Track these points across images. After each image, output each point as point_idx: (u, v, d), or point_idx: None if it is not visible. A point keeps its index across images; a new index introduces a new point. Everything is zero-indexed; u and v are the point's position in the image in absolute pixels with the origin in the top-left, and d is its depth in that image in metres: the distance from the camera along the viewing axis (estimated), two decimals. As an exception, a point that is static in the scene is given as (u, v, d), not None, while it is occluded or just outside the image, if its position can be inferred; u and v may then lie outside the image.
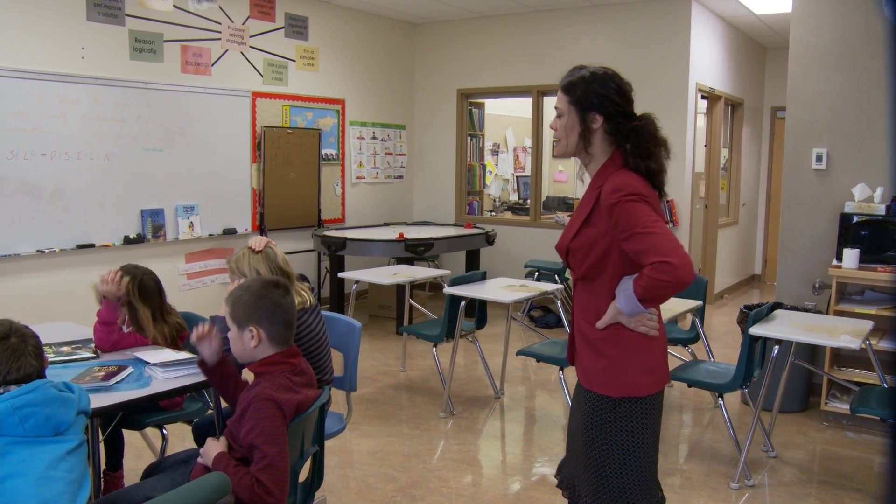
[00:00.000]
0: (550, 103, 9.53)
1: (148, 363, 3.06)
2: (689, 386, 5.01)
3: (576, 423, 2.63)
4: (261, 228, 7.96)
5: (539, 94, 9.15)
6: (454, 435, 5.10)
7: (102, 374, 2.91)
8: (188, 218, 7.25)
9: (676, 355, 5.90)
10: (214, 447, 2.49)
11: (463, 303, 5.30)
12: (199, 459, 2.52)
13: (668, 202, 8.16)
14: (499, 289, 5.51)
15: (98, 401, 2.64)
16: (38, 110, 6.17)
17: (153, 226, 7.00)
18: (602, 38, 8.57)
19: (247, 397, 2.46)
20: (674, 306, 5.14)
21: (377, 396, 5.80)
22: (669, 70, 8.15)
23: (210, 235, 7.51)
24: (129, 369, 2.97)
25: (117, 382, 2.84)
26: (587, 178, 2.64)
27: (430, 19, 9.69)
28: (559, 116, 2.57)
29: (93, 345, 3.43)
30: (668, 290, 2.32)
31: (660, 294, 2.35)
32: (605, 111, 2.48)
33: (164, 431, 3.73)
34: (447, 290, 5.36)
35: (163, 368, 2.98)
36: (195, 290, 7.40)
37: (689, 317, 5.71)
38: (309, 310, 3.17)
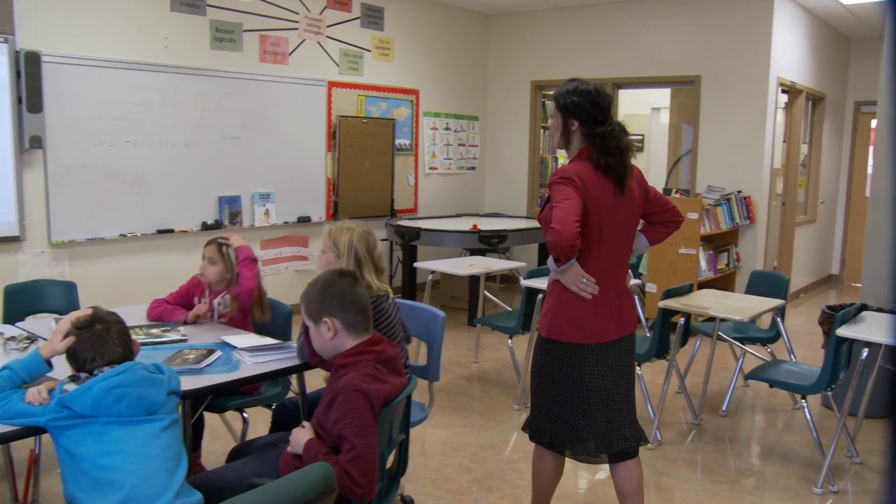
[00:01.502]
0: (626, 96, 9.45)
1: (235, 347, 3.10)
2: (771, 386, 4.90)
3: None
4: (334, 217, 8.03)
5: (615, 86, 9.03)
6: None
7: (193, 356, 2.95)
8: (264, 205, 7.35)
9: (756, 354, 5.78)
10: (304, 434, 2.50)
11: (540, 296, 5.26)
12: (289, 448, 2.54)
13: (744, 199, 7.99)
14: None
15: (189, 383, 2.68)
16: (123, 99, 6.31)
17: (230, 212, 7.11)
18: (680, 30, 8.41)
19: (334, 388, 2.47)
20: (756, 304, 5.03)
21: (450, 387, 5.80)
22: (749, 63, 7.96)
23: (285, 223, 7.60)
24: (218, 353, 3.01)
25: (207, 365, 2.88)
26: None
27: (505, 10, 9.64)
28: (550, 117, 3.24)
29: (181, 327, 3.49)
30: (552, 248, 2.87)
31: (552, 252, 2.92)
32: (581, 118, 3.06)
33: (245, 415, 3.78)
34: (525, 282, 5.33)
35: (251, 353, 3.02)
36: (269, 276, 7.49)
37: (769, 315, 5.58)
38: (383, 297, 3.15)
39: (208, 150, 6.94)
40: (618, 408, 3.14)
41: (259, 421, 4.59)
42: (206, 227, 6.89)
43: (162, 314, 3.76)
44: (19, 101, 5.70)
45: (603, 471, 4.32)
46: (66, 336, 2.39)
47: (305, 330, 2.81)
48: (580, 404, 3.10)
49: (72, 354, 2.39)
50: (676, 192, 8.01)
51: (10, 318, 4.27)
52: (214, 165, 7.00)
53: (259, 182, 7.36)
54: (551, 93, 9.86)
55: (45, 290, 4.57)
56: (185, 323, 3.64)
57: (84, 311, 2.46)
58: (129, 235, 6.47)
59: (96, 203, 6.25)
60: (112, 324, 2.43)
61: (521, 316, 5.43)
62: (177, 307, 3.84)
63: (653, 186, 3.31)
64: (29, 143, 5.74)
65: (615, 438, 3.13)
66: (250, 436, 3.92)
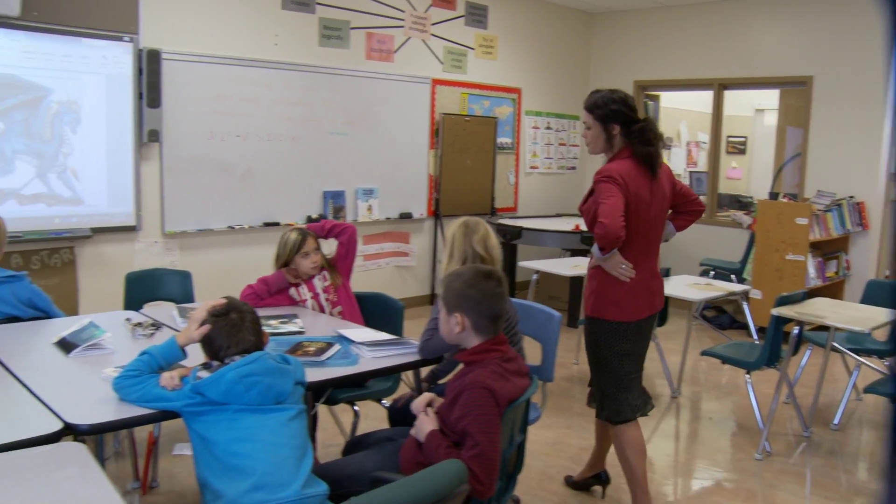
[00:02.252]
0: (732, 97, 9.21)
1: (353, 341, 3.14)
2: (893, 401, 4.71)
3: None
4: (436, 214, 8.07)
5: (721, 87, 8.83)
6: (630, 431, 5.01)
7: (313, 349, 3.00)
8: (367, 201, 7.44)
9: (873, 366, 5.57)
10: (429, 424, 2.51)
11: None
12: (412, 432, 2.55)
13: (856, 204, 7.70)
14: (684, 286, 5.36)
15: (311, 375, 2.71)
16: (234, 94, 6.48)
17: (334, 207, 7.21)
18: (791, 29, 8.15)
19: (459, 384, 2.47)
20: (875, 315, 4.84)
21: (551, 388, 5.74)
22: (865, 67, 7.66)
23: (387, 219, 7.68)
24: (337, 346, 3.05)
25: (328, 358, 2.92)
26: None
27: (609, 9, 9.52)
28: (588, 129, 3.54)
29: (298, 319, 3.56)
30: (600, 240, 3.32)
31: (600, 243, 3.36)
32: (620, 121, 3.46)
33: (356, 408, 3.82)
34: (631, 284, 5.25)
35: (370, 347, 3.05)
36: (370, 271, 7.58)
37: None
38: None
39: (314, 146, 7.06)
40: (634, 375, 3.64)
41: (366, 415, 4.64)
42: (310, 220, 7.01)
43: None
44: (140, 96, 5.90)
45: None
46: (201, 324, 2.46)
47: (434, 325, 2.84)
48: (625, 373, 3.56)
49: (207, 342, 2.45)
50: (784, 196, 7.78)
51: (130, 305, 4.42)
52: (320, 160, 7.11)
53: (363, 178, 7.45)
54: (655, 93, 9.90)
55: (162, 278, 4.72)
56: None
57: (218, 300, 2.52)
58: (236, 227, 6.63)
59: (207, 195, 6.43)
60: (246, 313, 2.48)
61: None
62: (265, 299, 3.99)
63: (679, 180, 3.73)
64: (147, 137, 5.94)
65: (629, 401, 3.63)
66: (359, 429, 3.98)
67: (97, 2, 5.69)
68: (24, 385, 2.60)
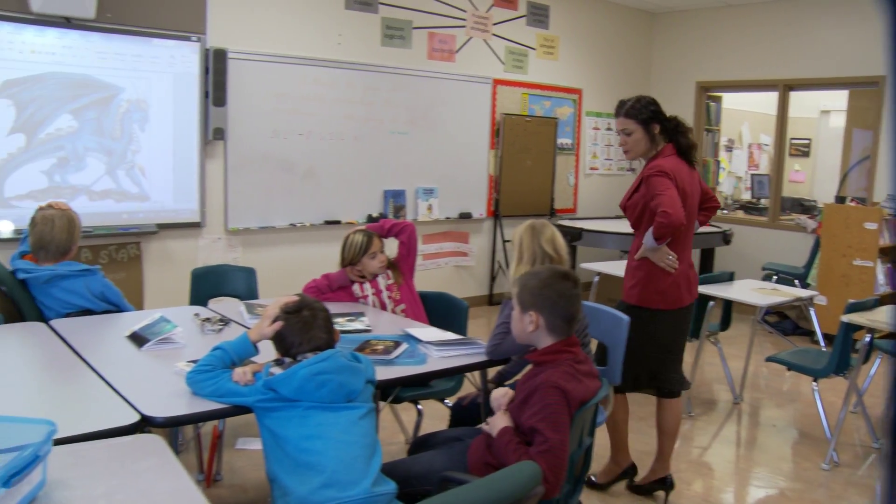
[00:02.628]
0: (797, 98, 9.03)
1: (421, 340, 3.14)
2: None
3: None
4: (495, 214, 8.06)
5: (786, 88, 8.66)
6: (692, 437, 4.94)
7: (381, 347, 3.01)
8: (427, 200, 7.45)
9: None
10: (502, 421, 2.51)
11: (711, 303, 5.11)
12: (485, 427, 2.55)
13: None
14: (748, 291, 5.26)
15: (379, 373, 2.72)
16: (297, 93, 6.54)
17: (395, 206, 7.24)
18: (860, 28, 7.95)
19: (531, 384, 2.46)
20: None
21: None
22: (941, 65, 7.44)
23: (447, 218, 7.69)
24: (405, 345, 3.06)
25: (396, 357, 2.93)
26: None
27: (671, 9, 9.41)
28: (628, 134, 3.77)
29: (365, 317, 3.58)
30: (664, 229, 3.54)
31: (661, 233, 3.57)
32: (659, 120, 3.75)
33: (420, 407, 3.83)
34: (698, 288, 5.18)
35: (437, 347, 3.05)
36: (429, 271, 7.60)
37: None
38: None
39: (376, 145, 7.09)
40: (674, 357, 3.96)
41: (426, 414, 4.64)
42: (371, 219, 7.05)
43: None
44: (206, 95, 6.00)
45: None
46: (274, 321, 2.48)
47: (506, 329, 2.85)
48: (657, 354, 3.88)
49: (279, 338, 2.47)
50: (851, 200, 7.61)
51: (196, 300, 4.49)
52: (381, 159, 7.15)
53: (423, 177, 7.47)
54: (717, 94, 9.74)
55: (227, 274, 4.78)
56: None
57: (290, 297, 2.54)
58: (298, 225, 6.70)
59: (269, 193, 6.51)
60: (318, 311, 2.50)
61: (691, 323, 5.27)
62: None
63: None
64: (212, 135, 6.03)
65: (669, 380, 3.94)
66: (420, 429, 3.99)
67: (167, 3, 5.79)
68: (101, 377, 2.65)
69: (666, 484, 4.00)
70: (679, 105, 9.49)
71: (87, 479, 1.82)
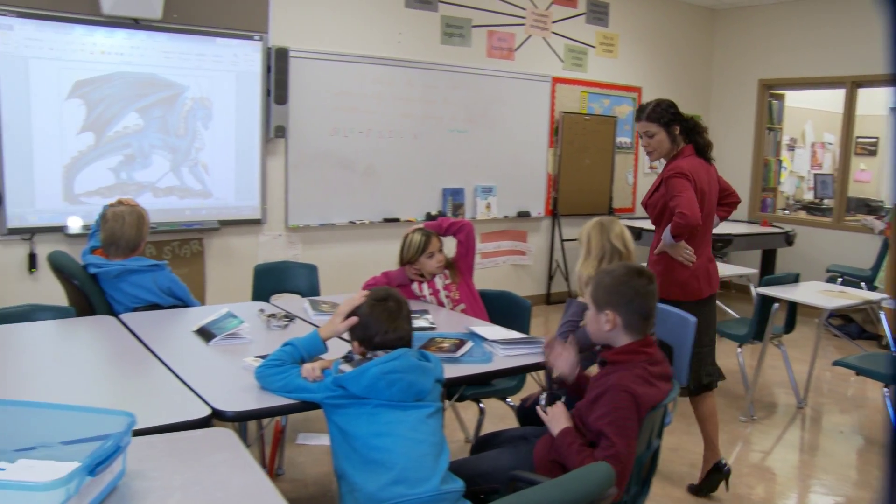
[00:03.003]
0: (864, 95, 8.81)
1: (486, 339, 3.13)
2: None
3: None
4: (553, 213, 8.02)
5: (854, 85, 8.46)
6: (755, 441, 4.86)
7: (447, 345, 3.01)
8: (486, 199, 7.44)
9: None
10: (563, 420, 2.50)
11: (776, 305, 5.01)
12: (543, 415, 2.54)
13: None
14: (815, 293, 5.16)
15: (446, 372, 2.70)
16: (357, 91, 6.58)
17: (453, 204, 7.25)
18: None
19: (602, 384, 2.43)
20: None
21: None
22: None
23: (505, 217, 7.67)
24: (470, 343, 3.05)
25: (463, 355, 2.92)
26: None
27: (734, 5, 9.26)
28: (651, 136, 3.99)
29: (429, 315, 3.58)
30: (681, 229, 3.79)
31: (678, 232, 3.82)
32: (679, 122, 3.98)
33: (482, 405, 3.82)
34: (760, 289, 5.09)
35: (503, 346, 3.04)
36: (487, 269, 7.58)
37: None
38: None
39: (435, 143, 7.11)
40: (705, 350, 4.03)
41: (487, 413, 4.63)
42: (430, 217, 7.07)
43: None
44: (268, 93, 6.06)
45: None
46: (347, 317, 2.50)
47: (570, 328, 2.83)
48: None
49: (363, 326, 2.47)
50: (921, 201, 7.41)
51: (258, 296, 4.54)
52: (440, 157, 7.16)
53: (482, 175, 7.46)
54: (780, 92, 9.55)
55: (289, 271, 4.83)
56: None
57: (361, 296, 2.55)
58: (357, 222, 6.74)
59: (329, 190, 6.56)
60: (403, 303, 2.51)
61: (754, 324, 5.19)
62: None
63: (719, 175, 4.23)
64: (274, 133, 6.10)
65: (703, 373, 4.01)
66: (482, 427, 3.99)
67: (231, 3, 5.87)
68: (171, 370, 2.69)
69: (722, 471, 4.01)
70: (740, 103, 9.35)
71: (164, 471, 1.85)
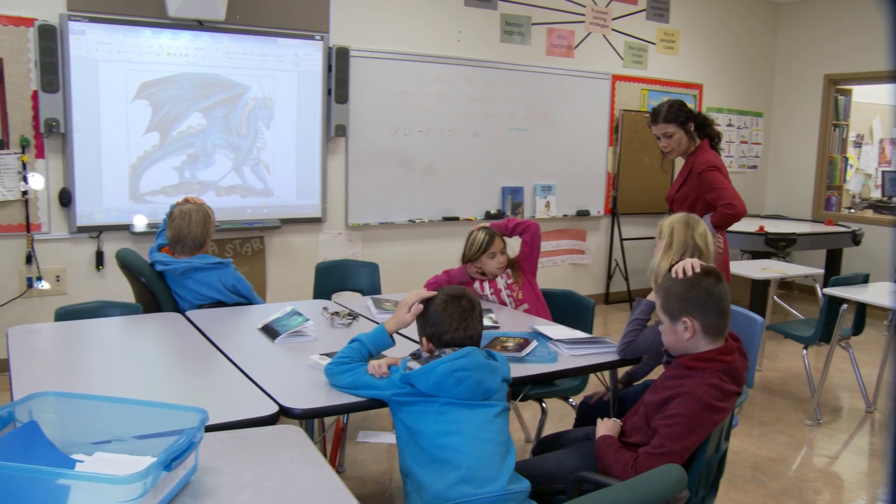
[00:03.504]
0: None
1: (550, 338, 3.10)
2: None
3: None
4: (613, 212, 7.94)
5: (925, 80, 8.21)
6: (821, 445, 4.74)
7: (511, 344, 2.99)
8: (545, 197, 7.40)
9: None
10: (606, 427, 2.50)
11: (844, 306, 4.89)
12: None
13: None
14: (887, 294, 5.02)
15: (511, 371, 2.69)
16: (418, 90, 6.59)
17: (513, 203, 7.22)
18: None
19: (673, 387, 2.38)
20: None
21: (734, 394, 5.54)
22: None
23: (564, 216, 7.62)
24: (535, 343, 3.02)
25: (527, 354, 2.90)
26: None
27: (799, -1, 9.06)
28: (670, 137, 4.37)
29: (493, 314, 3.56)
30: (730, 220, 4.19)
31: (726, 223, 4.21)
32: (691, 118, 4.36)
33: (544, 405, 3.79)
34: (828, 290, 4.97)
35: (568, 345, 3.01)
36: (546, 268, 7.54)
37: None
38: None
39: (494, 141, 7.09)
40: None
41: (549, 413, 4.60)
42: (489, 216, 7.05)
43: None
44: (328, 92, 6.10)
45: None
46: (411, 307, 2.50)
47: (638, 326, 2.79)
48: None
49: (434, 322, 2.46)
50: None
51: (319, 294, 4.58)
52: (500, 156, 7.14)
53: (541, 174, 7.42)
54: (846, 88, 9.31)
55: (350, 269, 4.86)
56: None
57: (429, 291, 2.54)
58: (417, 221, 6.75)
59: (389, 189, 6.58)
60: (476, 303, 2.50)
61: (821, 325, 5.06)
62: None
63: None
64: (334, 132, 6.13)
65: None
66: (543, 428, 3.96)
67: (292, 4, 5.92)
68: (238, 367, 2.72)
69: None
70: (805, 99, 9.14)
71: (235, 467, 1.86)
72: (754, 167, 9.42)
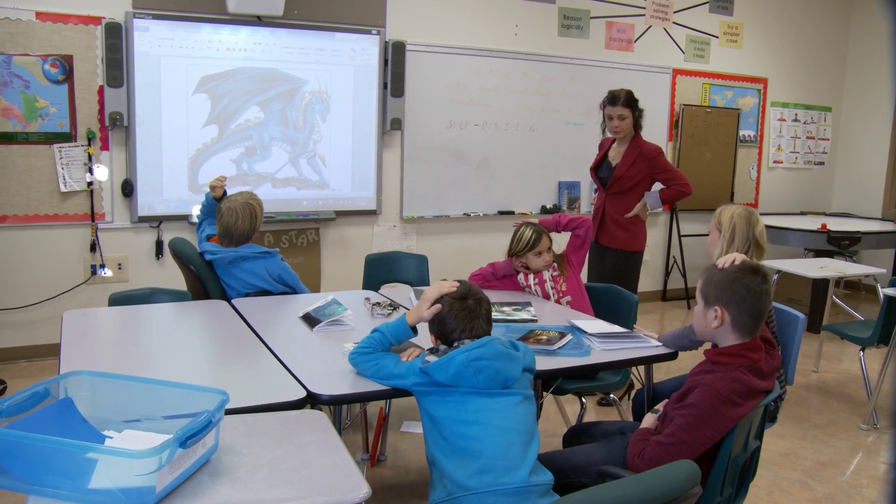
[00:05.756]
0: None
1: (585, 332, 3.11)
2: None
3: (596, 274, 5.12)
4: (672, 207, 7.84)
5: None
6: (876, 450, 4.62)
7: (545, 337, 3.00)
8: (601, 193, 7.34)
9: None
10: (645, 421, 2.52)
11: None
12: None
13: None
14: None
15: (541, 363, 2.71)
16: (474, 84, 6.62)
17: (569, 198, 7.20)
18: None
19: (699, 380, 2.37)
20: None
21: (787, 395, 5.43)
22: None
23: (620, 211, 7.55)
24: (569, 336, 3.03)
25: (560, 347, 2.91)
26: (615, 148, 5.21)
27: (872, -10, 8.81)
28: (623, 119, 4.93)
29: (532, 307, 3.58)
30: (683, 196, 5.04)
31: (677, 199, 5.08)
32: (638, 108, 5.00)
33: (584, 400, 3.79)
34: (887, 290, 4.85)
35: (600, 339, 3.01)
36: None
37: None
38: None
39: (551, 136, 7.08)
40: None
41: (591, 408, 4.60)
42: (544, 210, 7.05)
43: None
44: (384, 86, 6.18)
45: None
46: (433, 304, 2.52)
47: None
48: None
49: (440, 323, 2.50)
50: None
51: (369, 285, 4.64)
52: (556, 150, 7.13)
53: (597, 169, 7.36)
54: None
55: (400, 261, 4.91)
56: None
57: (450, 282, 2.57)
58: (471, 215, 6.78)
59: (444, 183, 6.63)
60: (483, 301, 2.52)
61: (880, 327, 4.94)
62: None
63: None
64: (390, 125, 6.21)
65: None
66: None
67: (349, -2, 6.02)
68: (274, 354, 2.79)
69: None
70: (877, 94, 8.88)
71: (256, 448, 1.92)
72: (821, 163, 9.19)
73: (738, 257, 2.58)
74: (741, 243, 3.23)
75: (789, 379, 3.35)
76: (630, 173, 4.99)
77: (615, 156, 5.13)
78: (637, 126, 5.03)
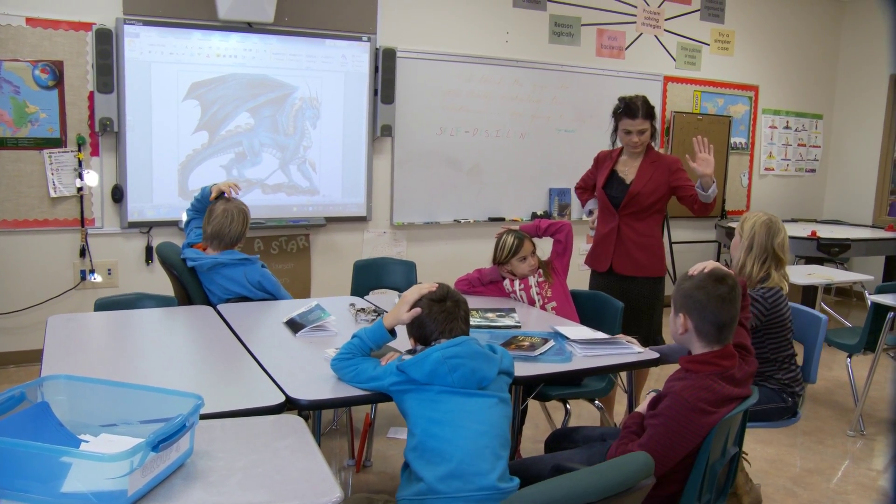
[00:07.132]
0: None
1: (567, 338, 3.12)
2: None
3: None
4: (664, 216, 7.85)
5: None
6: (863, 457, 4.63)
7: (527, 343, 3.01)
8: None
9: None
10: (644, 402, 2.53)
11: (892, 314, 4.78)
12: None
13: None
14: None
15: (522, 369, 2.73)
16: (465, 91, 6.64)
17: (559, 204, 7.22)
18: None
19: (671, 387, 2.40)
20: None
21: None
22: None
23: (611, 218, 7.57)
24: (552, 343, 3.04)
25: (541, 354, 2.92)
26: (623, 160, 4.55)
27: (863, -3, 8.83)
28: (642, 133, 4.29)
29: (516, 314, 3.59)
30: (710, 209, 4.28)
31: (706, 212, 4.32)
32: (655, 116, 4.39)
33: (568, 406, 3.79)
34: (873, 297, 4.86)
35: (582, 346, 3.02)
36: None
37: None
38: (775, 290, 3.43)
39: (542, 142, 7.10)
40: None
41: (578, 414, 4.60)
42: (535, 217, 7.06)
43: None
44: (375, 93, 6.20)
45: None
46: (412, 307, 2.53)
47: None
48: None
49: (418, 325, 2.51)
50: None
51: (357, 291, 4.65)
52: (547, 157, 7.15)
53: (588, 176, 7.39)
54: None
55: (388, 267, 4.92)
56: None
57: (430, 284, 2.58)
58: (462, 221, 6.80)
59: (435, 189, 6.65)
60: (461, 303, 2.53)
61: (866, 334, 4.96)
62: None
63: None
64: (380, 132, 6.23)
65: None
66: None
67: (340, 5, 6.03)
68: (255, 359, 2.80)
69: None
70: (869, 100, 8.90)
71: (230, 452, 1.93)
72: (812, 171, 9.22)
73: (710, 265, 2.61)
74: (758, 252, 3.33)
75: (812, 378, 3.44)
76: (649, 189, 4.29)
77: (628, 171, 4.43)
78: (653, 136, 4.43)
